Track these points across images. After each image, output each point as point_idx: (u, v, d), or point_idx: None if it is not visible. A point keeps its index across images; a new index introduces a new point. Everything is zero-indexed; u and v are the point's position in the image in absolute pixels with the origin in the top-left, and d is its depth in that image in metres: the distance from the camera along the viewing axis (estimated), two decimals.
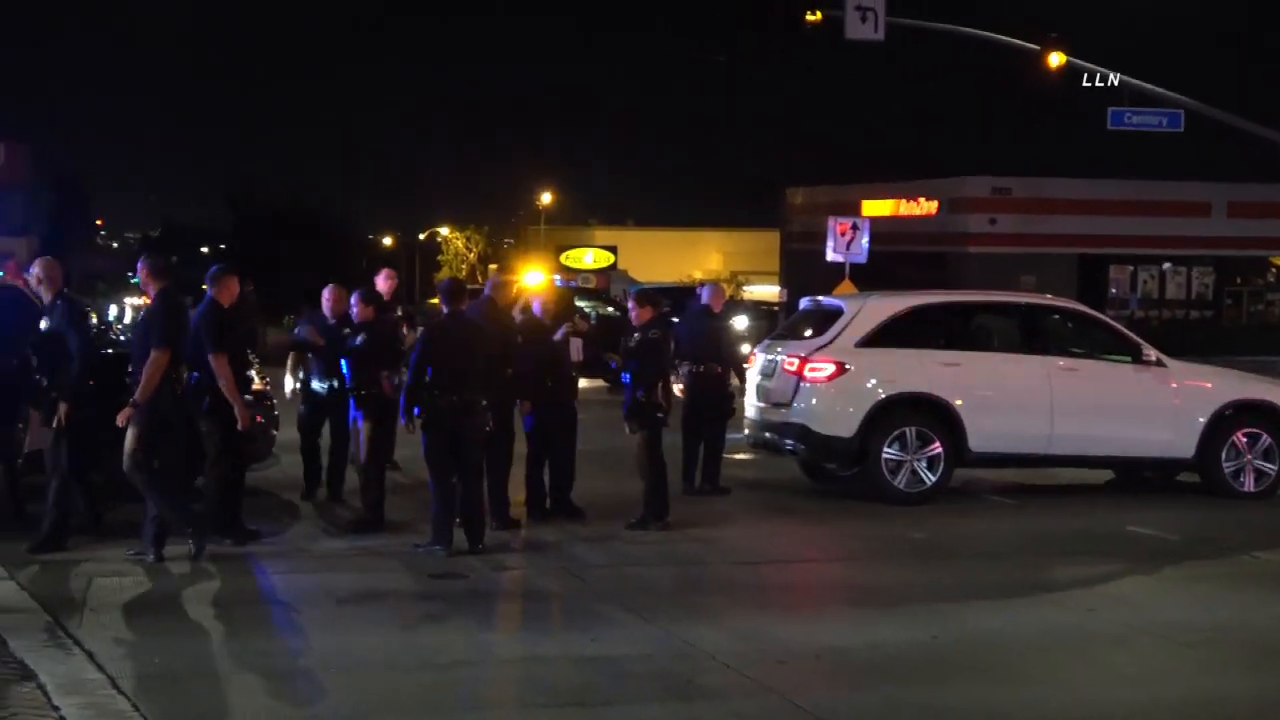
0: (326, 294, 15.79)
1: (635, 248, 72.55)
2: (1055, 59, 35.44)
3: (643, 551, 13.29)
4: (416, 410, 12.96)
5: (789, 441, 16.57)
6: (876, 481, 16.10)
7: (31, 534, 12.42)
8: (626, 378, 14.52)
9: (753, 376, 17.53)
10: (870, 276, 33.51)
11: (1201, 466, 17.03)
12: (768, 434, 16.93)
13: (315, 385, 15.61)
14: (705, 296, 17.11)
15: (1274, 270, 55.47)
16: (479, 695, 9.19)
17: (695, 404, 16.34)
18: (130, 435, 11.96)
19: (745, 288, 69.26)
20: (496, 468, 13.83)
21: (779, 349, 17.20)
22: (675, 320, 18.72)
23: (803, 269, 47.92)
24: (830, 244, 34.84)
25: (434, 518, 12.92)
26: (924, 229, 53.82)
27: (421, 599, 11.36)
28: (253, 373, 14.65)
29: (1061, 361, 16.91)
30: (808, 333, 17.15)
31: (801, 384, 16.32)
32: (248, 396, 13.35)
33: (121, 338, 18.81)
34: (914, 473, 16.10)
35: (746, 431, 17.57)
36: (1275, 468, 16.98)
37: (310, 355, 15.70)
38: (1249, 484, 16.96)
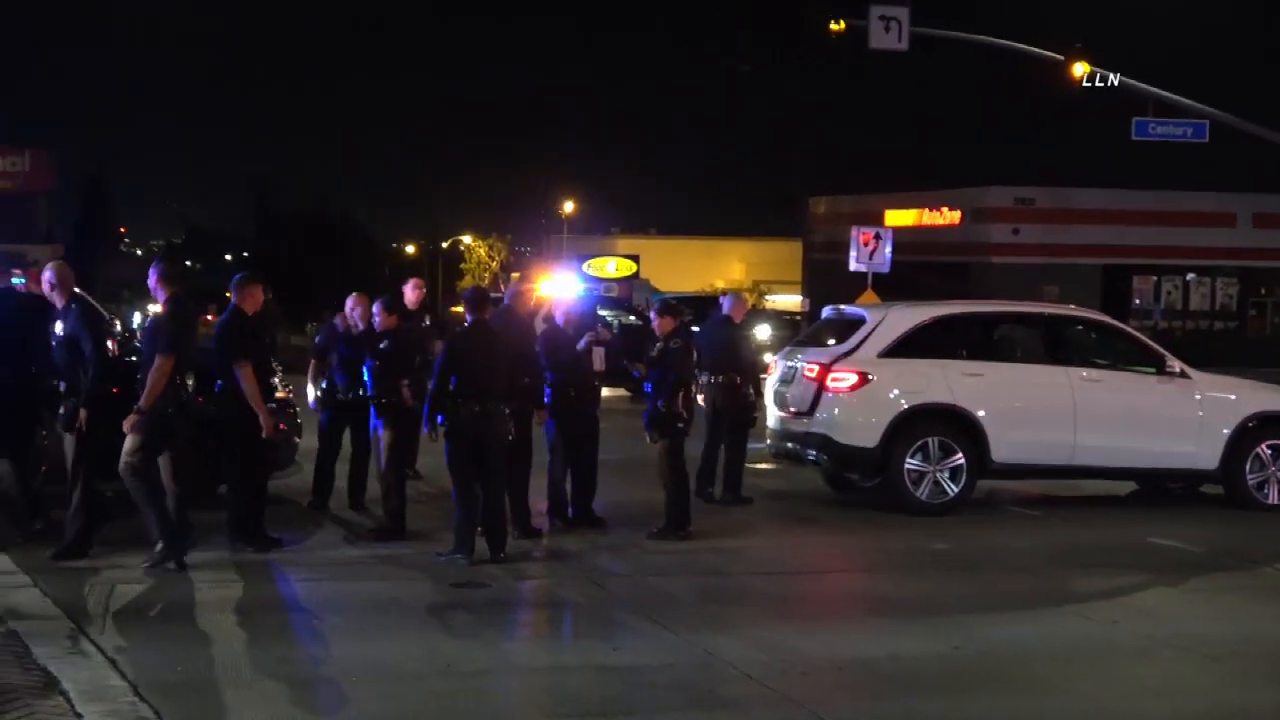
0: (350, 302, 15.82)
1: (657, 256, 72.55)
2: (1079, 69, 35.34)
3: (664, 561, 13.28)
4: (440, 418, 12.98)
5: (811, 452, 16.55)
6: (899, 492, 16.08)
7: (54, 541, 12.43)
8: (649, 387, 14.53)
9: (772, 383, 17.53)
10: (893, 286, 33.48)
11: (1225, 478, 16.98)
12: (790, 444, 16.91)
13: (320, 392, 15.66)
14: (726, 306, 17.11)
15: None
16: (500, 704, 9.18)
17: (714, 414, 16.35)
18: (130, 440, 11.98)
19: (767, 297, 69.28)
20: (518, 476, 13.84)
21: (799, 356, 17.21)
22: (696, 330, 18.71)
23: (825, 278, 47.89)
24: (853, 253, 34.82)
25: (456, 526, 12.92)
26: (947, 239, 53.81)
27: (443, 607, 11.36)
28: (276, 380, 14.67)
29: (1085, 372, 16.86)
30: (830, 341, 17.13)
31: (824, 393, 16.31)
32: (271, 404, 13.37)
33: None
34: (936, 483, 16.07)
35: (768, 441, 17.56)
36: None
37: (337, 361, 15.71)
38: (1273, 496, 16.90)
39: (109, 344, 13.82)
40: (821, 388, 16.34)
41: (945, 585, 12.62)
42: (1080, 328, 18.23)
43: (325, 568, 12.63)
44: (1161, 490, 17.84)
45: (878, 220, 47.77)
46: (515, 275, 63.59)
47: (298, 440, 15.75)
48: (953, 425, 16.19)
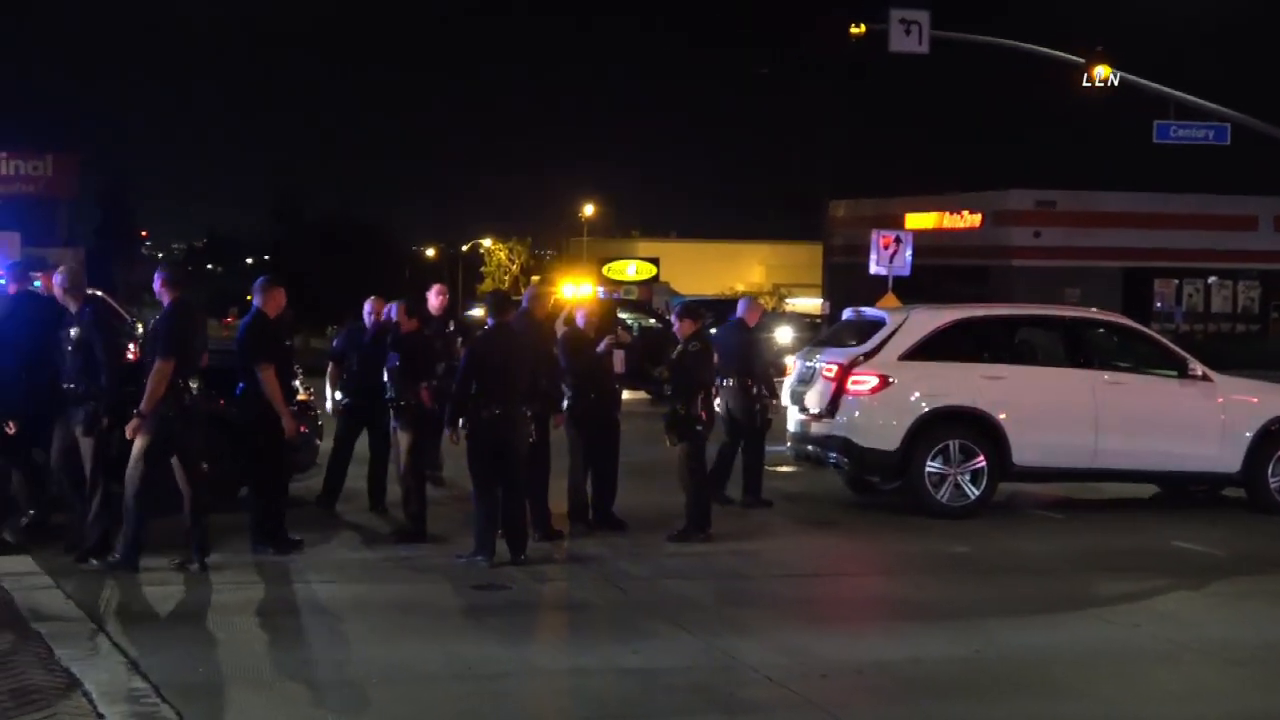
0: (367, 306, 15.82)
1: (677, 260, 72.59)
2: (1101, 71, 35.28)
3: (685, 564, 13.28)
4: (461, 422, 12.99)
5: (832, 455, 16.54)
6: (919, 495, 16.06)
7: (77, 543, 12.46)
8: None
9: (790, 384, 17.53)
10: (913, 289, 33.48)
11: (1247, 482, 16.92)
12: (810, 447, 16.90)
13: (338, 396, 15.69)
14: (740, 310, 17.04)
15: None
16: (521, 706, 9.20)
17: (729, 418, 16.33)
18: (136, 446, 12.00)
19: (788, 300, 69.23)
20: (537, 479, 13.84)
21: (818, 356, 17.21)
22: (712, 333, 18.69)
23: (845, 282, 47.86)
24: (873, 257, 34.81)
25: (476, 529, 12.93)
26: (967, 242, 53.72)
27: (464, 610, 11.38)
28: (297, 383, 14.69)
29: (1106, 375, 16.82)
30: (850, 343, 17.12)
31: (843, 395, 16.29)
32: (292, 406, 13.39)
33: None
34: (957, 486, 16.04)
35: (789, 444, 17.54)
36: None
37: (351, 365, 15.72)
38: None
39: (130, 347, 13.88)
40: (840, 389, 16.32)
41: (966, 589, 12.60)
42: (1102, 331, 18.19)
43: (346, 570, 12.65)
44: (1183, 494, 17.78)
45: (898, 223, 47.75)
46: (535, 278, 63.66)
47: (319, 442, 15.77)
48: (974, 428, 16.16)
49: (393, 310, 14.73)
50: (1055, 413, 16.45)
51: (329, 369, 16.05)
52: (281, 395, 12.91)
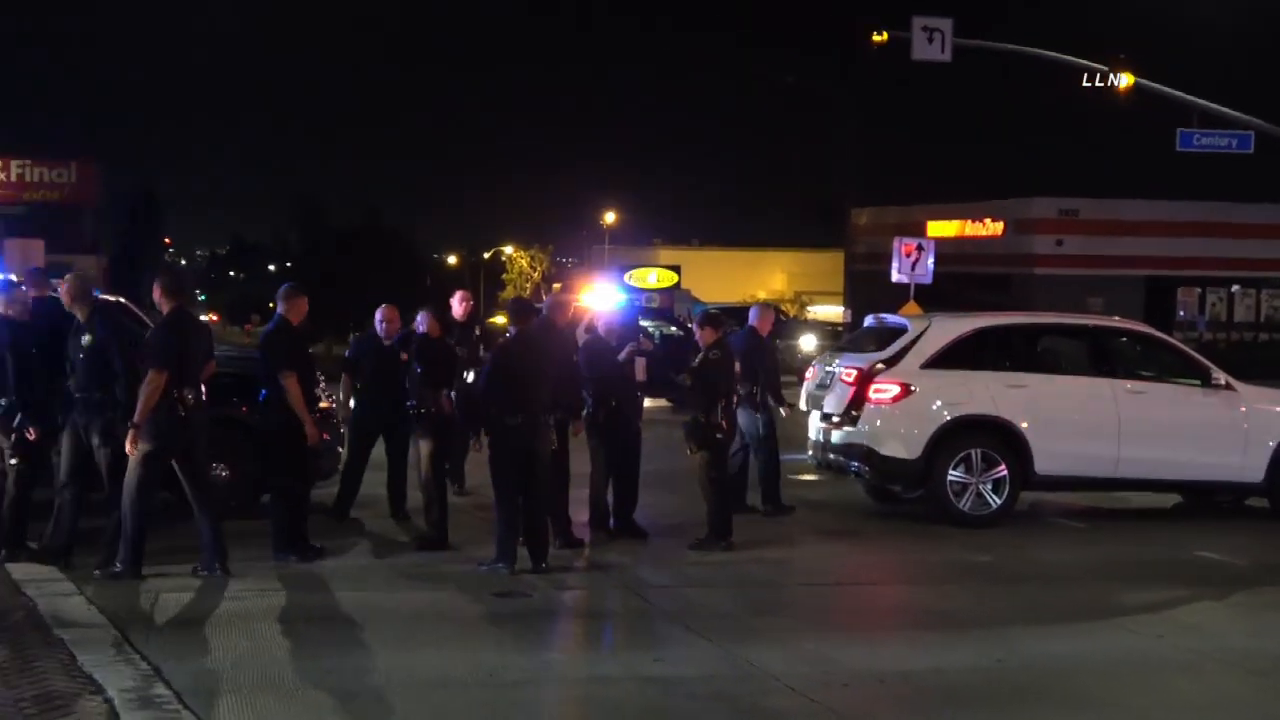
0: (379, 314, 15.76)
1: (699, 267, 72.52)
2: (1124, 80, 35.22)
3: (706, 572, 13.27)
4: (484, 429, 13.00)
5: (854, 463, 16.52)
6: (941, 504, 16.03)
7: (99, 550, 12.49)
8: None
9: (808, 388, 17.52)
10: (935, 297, 33.45)
11: (1270, 491, 16.86)
12: (832, 455, 16.87)
13: (351, 404, 15.67)
14: (753, 318, 16.94)
15: None
16: (542, 714, 9.21)
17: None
18: (134, 457, 11.99)
19: (809, 308, 69.18)
20: (558, 486, 13.85)
21: (836, 361, 17.20)
22: None
23: (867, 289, 47.82)
24: (895, 264, 34.79)
25: (498, 536, 12.94)
26: (990, 250, 53.69)
27: (485, 617, 11.39)
28: (319, 390, 14.73)
29: (1129, 384, 16.78)
30: (870, 349, 17.10)
31: (865, 404, 16.27)
32: (314, 414, 13.41)
33: None
34: (979, 495, 16.01)
35: (810, 452, 17.52)
36: None
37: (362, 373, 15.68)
38: None
39: None
40: (860, 395, 16.29)
41: (988, 598, 12.57)
42: (1124, 339, 18.12)
43: (368, 577, 12.67)
44: (1206, 503, 17.72)
45: (920, 231, 47.69)
46: (557, 286, 63.74)
47: (340, 450, 15.80)
48: (996, 437, 16.13)
49: (422, 321, 14.68)
50: (1078, 422, 16.41)
51: (343, 378, 15.99)
52: (304, 402, 12.94)
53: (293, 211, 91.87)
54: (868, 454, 16.27)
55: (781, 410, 16.55)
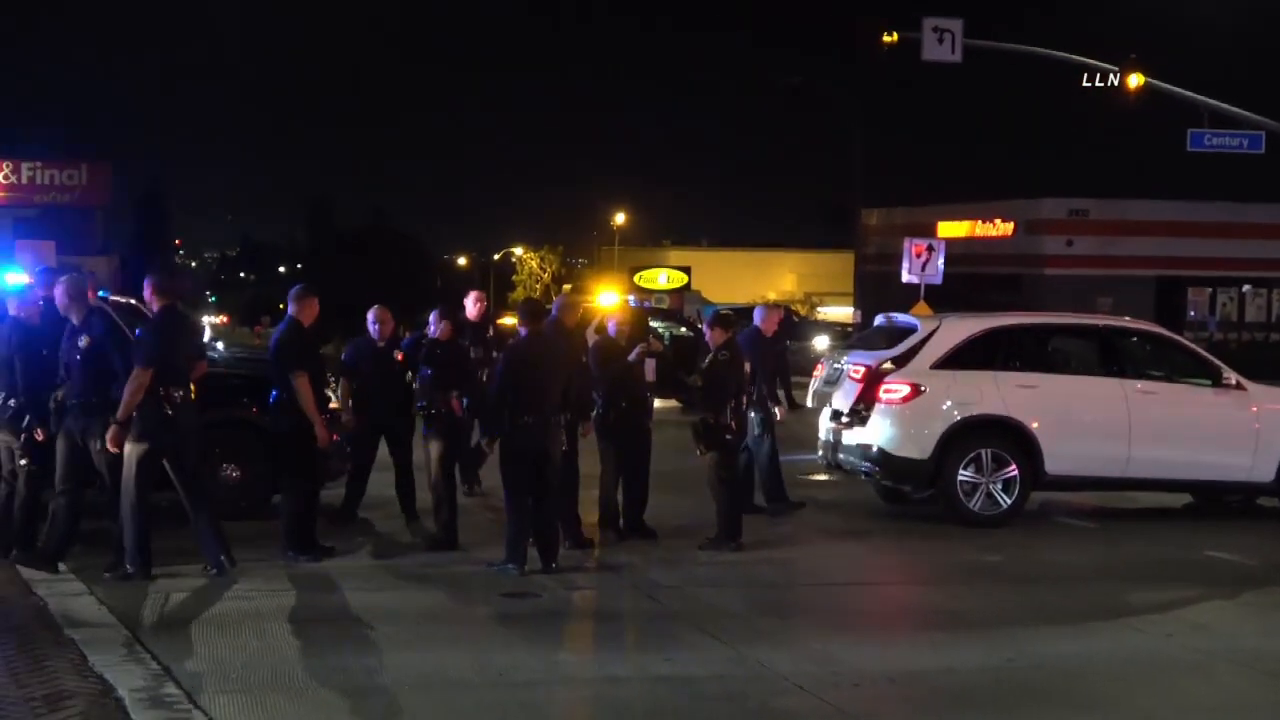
0: (371, 315, 15.65)
1: (709, 268, 72.58)
2: (1134, 80, 35.19)
3: (716, 572, 13.27)
4: (495, 430, 13.01)
5: (864, 464, 16.52)
6: (952, 504, 16.03)
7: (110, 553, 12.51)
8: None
9: (816, 384, 17.52)
10: (945, 298, 33.41)
11: None
12: (841, 455, 16.88)
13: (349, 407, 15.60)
14: (757, 318, 16.88)
15: None
16: (552, 714, 9.22)
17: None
18: (128, 456, 11.98)
19: (819, 309, 69.19)
20: (567, 487, 13.86)
21: (845, 358, 17.21)
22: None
23: (877, 290, 47.75)
24: (905, 265, 34.77)
25: (508, 537, 12.95)
26: (1000, 250, 53.59)
27: (495, 618, 11.40)
28: (328, 391, 14.73)
29: (1139, 384, 16.76)
30: (880, 347, 17.11)
31: (876, 404, 16.27)
32: (324, 415, 13.42)
33: None
34: (989, 495, 16.00)
35: (820, 452, 17.53)
36: None
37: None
38: None
39: None
40: (868, 392, 16.28)
41: (998, 598, 12.56)
42: (1135, 339, 18.10)
43: (378, 577, 12.68)
44: (1217, 503, 17.70)
45: (930, 232, 47.63)
46: (567, 287, 63.76)
47: (349, 450, 15.78)
48: (1006, 437, 16.12)
49: (433, 322, 14.67)
50: (1088, 422, 16.40)
51: (340, 383, 15.86)
52: (315, 403, 12.96)
53: (306, 212, 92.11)
54: (878, 454, 16.26)
55: (776, 411, 16.49)
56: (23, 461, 12.45)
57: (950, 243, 39.95)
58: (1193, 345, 18.39)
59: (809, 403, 17.53)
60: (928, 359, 16.36)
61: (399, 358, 15.39)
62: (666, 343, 26.93)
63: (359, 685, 9.35)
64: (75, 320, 12.28)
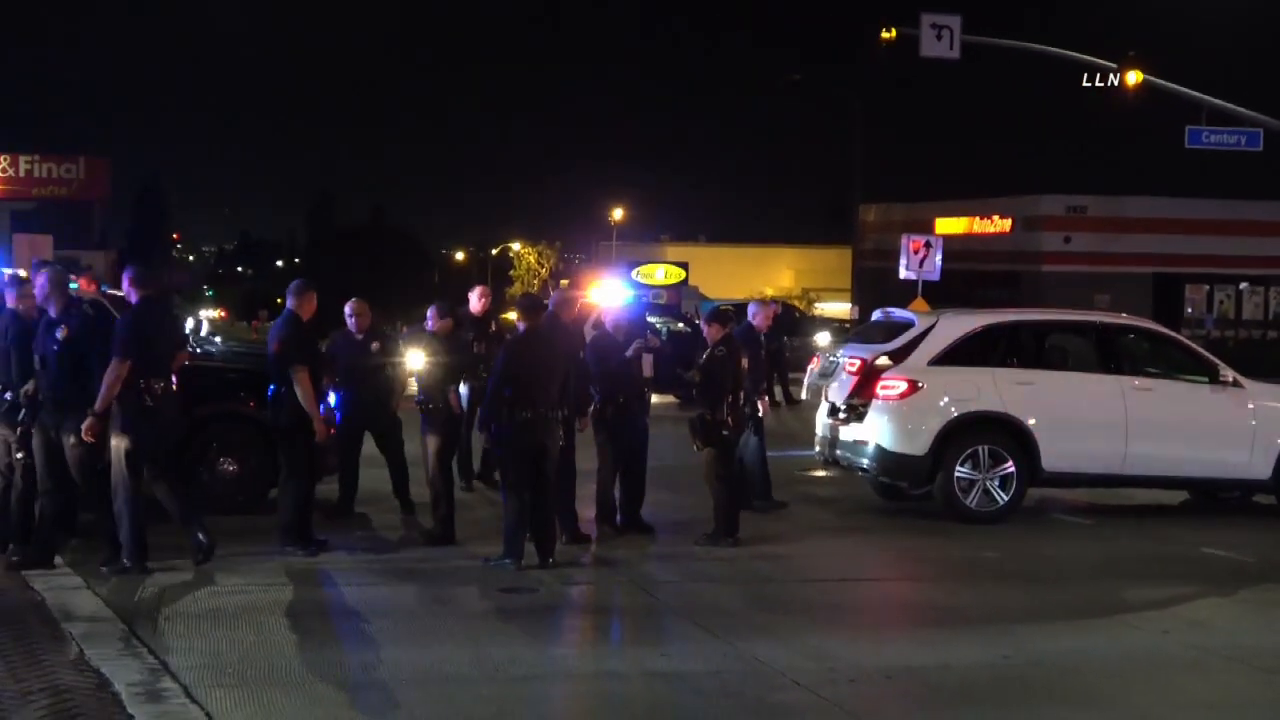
0: (349, 308, 15.63)
1: (707, 264, 72.51)
2: (1133, 77, 35.21)
3: (713, 568, 13.28)
4: (494, 425, 13.01)
5: (860, 460, 16.52)
6: (949, 500, 16.03)
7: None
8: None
9: (811, 376, 17.54)
10: (943, 294, 33.45)
11: (1278, 488, 16.84)
12: (838, 451, 16.88)
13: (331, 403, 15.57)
14: (750, 313, 16.83)
15: None
16: (549, 709, 9.22)
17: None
18: (115, 451, 11.97)
19: (817, 305, 69.19)
20: (564, 482, 13.86)
21: (840, 350, 17.22)
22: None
23: (875, 286, 47.80)
24: (903, 261, 34.79)
25: (505, 531, 12.95)
26: (998, 247, 53.64)
27: (492, 613, 11.40)
28: (325, 384, 14.70)
29: (1136, 381, 16.76)
30: (876, 340, 17.11)
31: (873, 400, 16.27)
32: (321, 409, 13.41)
33: (197, 350, 18.98)
34: (986, 492, 16.01)
35: (817, 448, 17.53)
36: None
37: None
38: None
39: None
40: (862, 385, 16.28)
41: (995, 594, 12.57)
42: (1132, 336, 18.10)
43: (374, 572, 12.68)
44: (1213, 500, 17.71)
45: (928, 228, 47.69)
46: (564, 282, 63.77)
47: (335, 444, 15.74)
48: (1003, 433, 16.13)
49: (431, 317, 14.67)
50: (1085, 418, 16.40)
51: (323, 379, 15.75)
52: (315, 398, 12.96)
53: (307, 207, 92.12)
54: (875, 450, 16.27)
55: (759, 406, 16.37)
56: (19, 455, 12.43)
57: (948, 239, 40.00)
58: (1190, 342, 18.38)
59: (804, 394, 17.54)
60: (925, 355, 16.36)
61: (375, 347, 15.36)
62: (664, 338, 26.93)
63: (356, 679, 9.36)
64: (54, 312, 12.20)
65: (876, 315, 18.57)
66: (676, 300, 49.52)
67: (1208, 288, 53.21)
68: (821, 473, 18.93)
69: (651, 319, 30.56)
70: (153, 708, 8.49)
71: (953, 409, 16.10)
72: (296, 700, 8.91)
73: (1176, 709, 9.40)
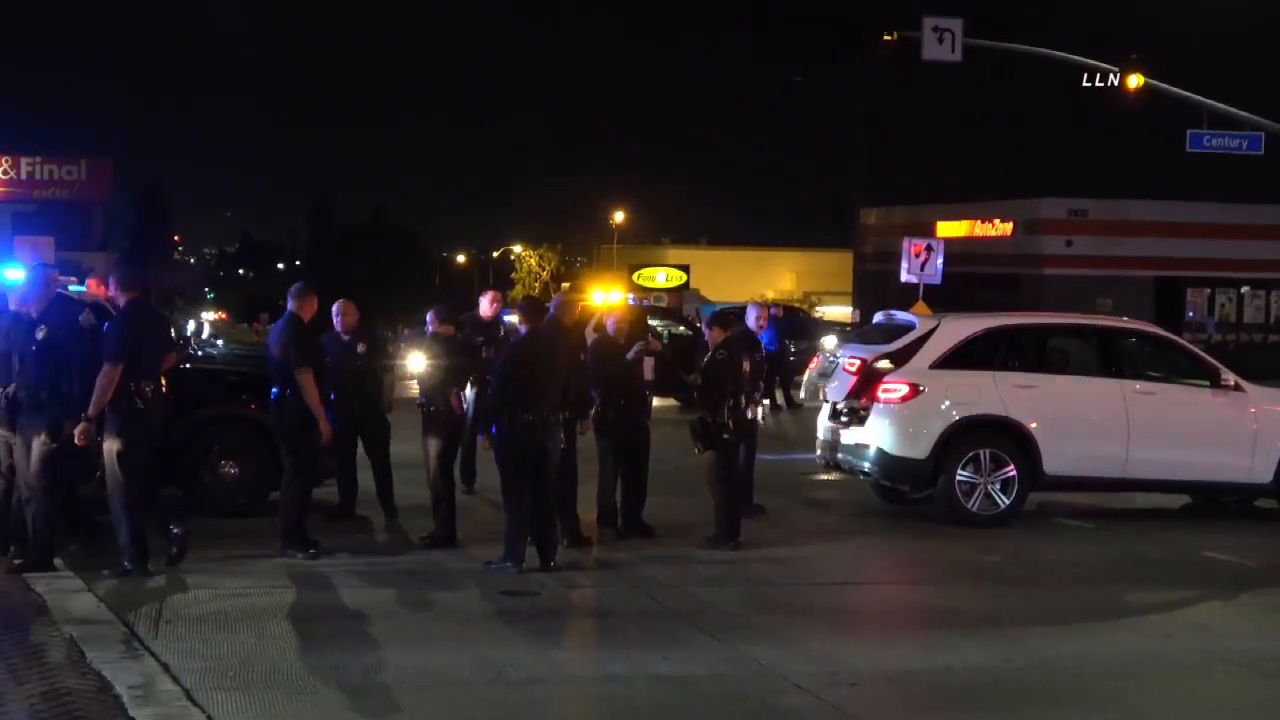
0: (336, 308, 15.55)
1: (708, 267, 72.60)
2: (1134, 80, 35.20)
3: (715, 571, 13.27)
4: (495, 428, 13.00)
5: (862, 463, 16.52)
6: (950, 504, 16.02)
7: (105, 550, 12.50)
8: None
9: (811, 375, 17.55)
10: (944, 298, 33.41)
11: (1279, 492, 16.84)
12: (840, 455, 16.88)
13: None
14: (748, 316, 16.80)
15: None
16: (551, 712, 9.21)
17: None
18: (107, 459, 11.95)
19: (818, 308, 69.21)
20: (565, 485, 13.85)
21: (841, 351, 17.23)
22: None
23: (876, 289, 47.78)
24: (904, 264, 34.77)
25: (506, 535, 12.94)
26: (999, 250, 53.58)
27: (493, 616, 11.39)
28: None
29: (1138, 385, 16.76)
30: (877, 343, 17.11)
31: (873, 402, 16.27)
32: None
33: (198, 352, 19.00)
34: (987, 495, 16.00)
35: (818, 452, 17.52)
36: None
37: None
38: None
39: None
40: (862, 385, 16.27)
41: (996, 598, 12.56)
42: (1133, 340, 18.10)
43: (376, 575, 12.67)
44: (1215, 504, 17.71)
45: (929, 231, 47.62)
46: (565, 285, 63.71)
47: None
48: (1004, 437, 16.12)
49: (430, 321, 14.67)
50: (1086, 422, 16.40)
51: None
52: (319, 399, 12.94)
53: (308, 208, 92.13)
54: (876, 454, 16.26)
55: (748, 410, 16.25)
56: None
57: (949, 242, 39.95)
58: (1191, 346, 18.39)
59: (802, 394, 17.56)
60: (927, 358, 16.36)
61: (360, 348, 15.34)
62: (665, 341, 26.91)
63: (357, 683, 9.35)
64: (35, 312, 12.18)
65: (878, 318, 18.58)
66: (677, 303, 49.53)
67: (1209, 291, 53.15)
68: (823, 476, 18.92)
69: (653, 322, 30.56)
70: (154, 711, 8.48)
71: (954, 412, 16.10)
72: (297, 703, 8.91)
73: (1179, 713, 9.40)
